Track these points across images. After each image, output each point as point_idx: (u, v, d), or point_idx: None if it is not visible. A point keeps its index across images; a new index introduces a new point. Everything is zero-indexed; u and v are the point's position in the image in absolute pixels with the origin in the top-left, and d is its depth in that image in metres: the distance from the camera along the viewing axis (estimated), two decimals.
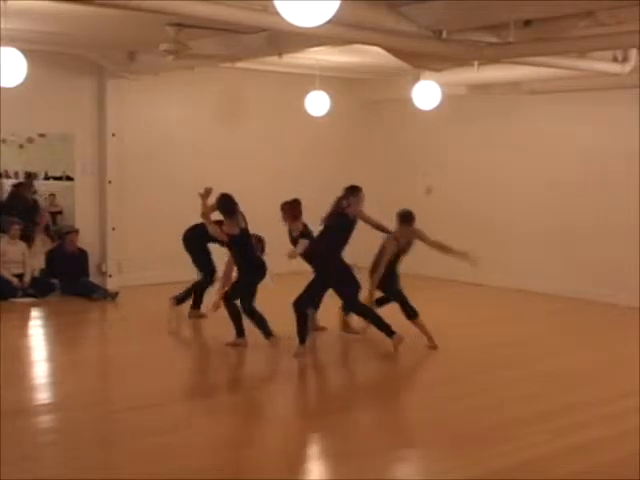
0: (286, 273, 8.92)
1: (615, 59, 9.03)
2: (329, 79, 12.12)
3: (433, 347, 8.31)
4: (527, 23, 7.21)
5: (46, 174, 20.28)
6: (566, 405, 6.60)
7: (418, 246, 8.66)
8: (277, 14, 5.07)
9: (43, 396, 7.00)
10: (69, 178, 15.24)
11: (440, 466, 5.42)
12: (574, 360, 8.11)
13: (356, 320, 8.73)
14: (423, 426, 6.33)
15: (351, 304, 8.38)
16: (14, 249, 11.16)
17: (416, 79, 10.56)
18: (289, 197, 13.38)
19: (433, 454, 5.68)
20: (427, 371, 8.09)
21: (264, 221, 13.22)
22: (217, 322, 9.80)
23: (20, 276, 11.05)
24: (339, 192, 8.62)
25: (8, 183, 17.75)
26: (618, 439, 5.94)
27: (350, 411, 6.60)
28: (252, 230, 9.28)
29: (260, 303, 8.46)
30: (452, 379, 7.40)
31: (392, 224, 8.64)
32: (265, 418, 6.39)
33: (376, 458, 5.50)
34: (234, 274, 9.01)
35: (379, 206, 14.14)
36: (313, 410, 6.89)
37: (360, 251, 8.76)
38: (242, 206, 12.98)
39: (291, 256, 8.30)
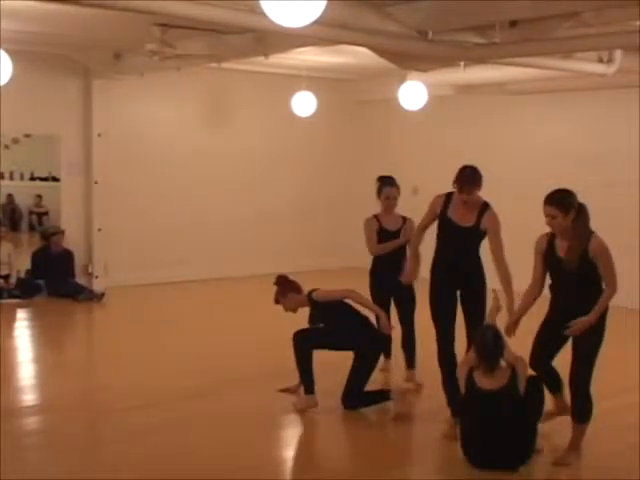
0: None
1: (600, 60, 9.07)
2: (315, 79, 12.14)
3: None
4: (513, 24, 7.23)
5: (32, 175, 20.23)
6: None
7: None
8: (263, 14, 5.07)
9: (29, 398, 6.96)
10: (55, 179, 15.20)
11: None
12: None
13: None
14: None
15: None
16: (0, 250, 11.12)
17: (402, 79, 10.59)
18: (274, 197, 13.50)
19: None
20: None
21: (248, 221, 13.29)
22: (206, 326, 9.80)
23: (6, 277, 11.00)
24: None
25: None
26: (613, 435, 6.03)
27: (337, 412, 6.61)
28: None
29: None
30: None
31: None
32: (254, 421, 6.37)
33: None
34: None
35: (364, 205, 14.18)
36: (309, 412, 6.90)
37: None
38: (227, 207, 13.06)
39: None
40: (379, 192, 7.46)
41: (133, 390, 7.02)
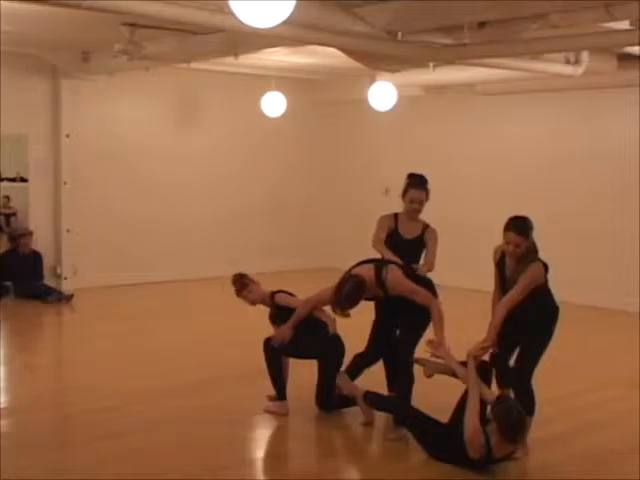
0: None
1: (567, 61, 9.15)
2: (285, 80, 12.15)
3: None
4: (481, 25, 7.28)
5: None
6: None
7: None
8: (232, 15, 5.06)
9: None
10: (23, 179, 15.07)
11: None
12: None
13: None
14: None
15: None
16: None
17: (372, 80, 10.62)
18: (245, 197, 13.48)
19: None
20: None
21: (218, 221, 13.26)
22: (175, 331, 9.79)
23: None
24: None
25: None
26: (581, 432, 6.09)
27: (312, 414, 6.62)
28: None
29: None
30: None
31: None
32: (226, 421, 6.35)
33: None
34: None
35: (335, 207, 14.24)
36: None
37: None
38: (196, 208, 13.01)
39: None
40: (404, 193, 6.29)
41: (103, 391, 6.97)
